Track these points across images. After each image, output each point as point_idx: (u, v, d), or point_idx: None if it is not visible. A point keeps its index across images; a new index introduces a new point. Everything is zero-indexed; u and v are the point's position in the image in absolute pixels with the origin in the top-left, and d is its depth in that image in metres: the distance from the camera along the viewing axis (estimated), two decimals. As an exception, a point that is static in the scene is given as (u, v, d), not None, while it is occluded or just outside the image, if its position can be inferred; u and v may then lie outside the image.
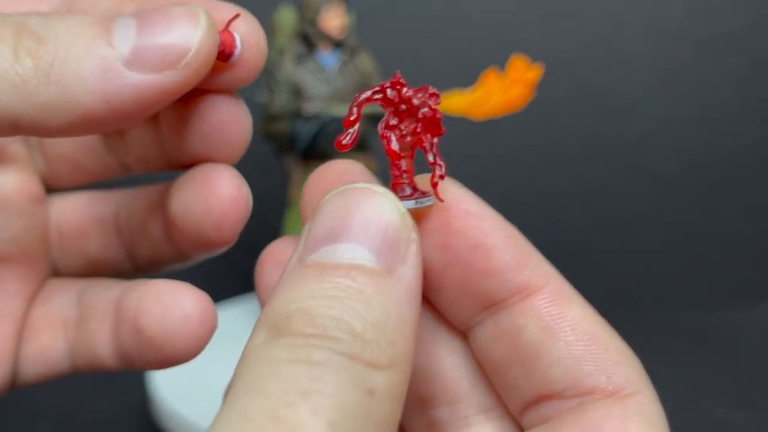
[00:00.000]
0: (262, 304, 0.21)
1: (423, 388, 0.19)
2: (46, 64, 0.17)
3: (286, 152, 0.56)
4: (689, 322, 0.65)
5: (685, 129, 0.71)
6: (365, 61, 0.54)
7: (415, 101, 0.18)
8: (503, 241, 0.18)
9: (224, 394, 0.23)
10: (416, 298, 0.16)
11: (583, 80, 0.70)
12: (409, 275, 0.15)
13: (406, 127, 0.18)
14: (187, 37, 0.17)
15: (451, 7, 0.69)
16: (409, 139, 0.18)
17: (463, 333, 0.19)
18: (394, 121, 0.18)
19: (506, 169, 0.70)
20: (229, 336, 0.33)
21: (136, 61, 0.17)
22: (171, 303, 0.21)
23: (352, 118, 0.17)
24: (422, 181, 0.18)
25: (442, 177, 0.17)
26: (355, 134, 0.18)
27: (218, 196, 0.21)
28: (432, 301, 0.19)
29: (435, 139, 0.18)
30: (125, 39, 0.17)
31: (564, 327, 0.17)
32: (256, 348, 0.14)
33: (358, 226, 0.15)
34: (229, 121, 0.21)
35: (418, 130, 0.18)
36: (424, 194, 0.17)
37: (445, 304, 0.18)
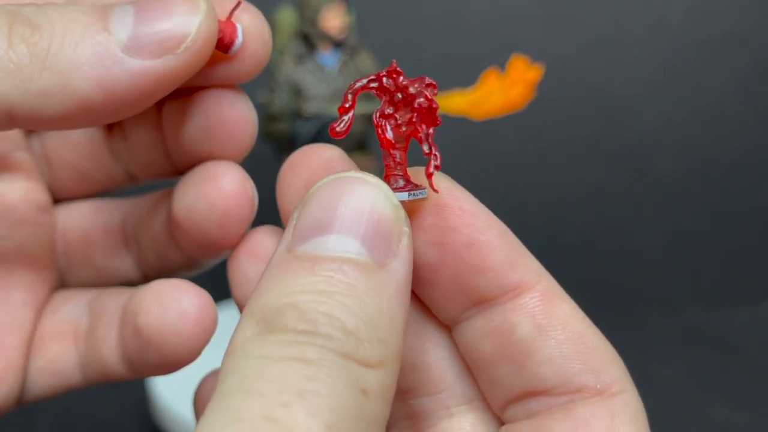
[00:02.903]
0: (238, 302, 0.20)
1: (405, 378, 0.19)
2: (42, 51, 0.16)
3: (286, 152, 0.56)
4: (689, 322, 0.65)
5: (686, 129, 0.71)
6: (365, 61, 0.54)
7: (412, 90, 0.17)
8: (497, 240, 0.18)
9: (198, 386, 0.22)
10: (407, 293, 0.15)
11: (583, 80, 0.70)
12: (400, 270, 0.15)
13: (402, 116, 0.17)
14: (185, 22, 0.17)
15: (451, 7, 0.69)
16: (404, 129, 0.17)
17: (447, 327, 0.19)
18: (389, 110, 0.17)
19: (506, 169, 0.70)
20: (230, 336, 0.33)
21: (134, 46, 0.17)
22: (168, 300, 0.20)
23: (347, 105, 0.17)
24: (415, 174, 0.18)
25: (437, 167, 0.17)
26: (349, 122, 0.17)
27: (221, 193, 0.20)
28: (420, 295, 0.19)
29: (431, 130, 0.17)
30: (123, 25, 0.17)
31: (555, 325, 0.17)
32: (245, 342, 0.14)
33: (349, 218, 0.15)
34: (233, 116, 0.20)
35: (414, 120, 0.17)
36: (417, 187, 0.17)
37: (435, 299, 0.18)
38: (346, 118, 0.17)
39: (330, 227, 0.15)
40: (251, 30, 0.19)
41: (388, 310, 0.15)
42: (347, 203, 0.15)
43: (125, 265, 0.24)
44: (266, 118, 0.54)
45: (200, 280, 0.22)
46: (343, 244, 0.15)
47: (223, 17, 0.19)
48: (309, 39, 0.53)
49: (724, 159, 0.72)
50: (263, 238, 0.20)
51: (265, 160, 0.57)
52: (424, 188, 0.17)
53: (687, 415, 0.52)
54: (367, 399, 0.14)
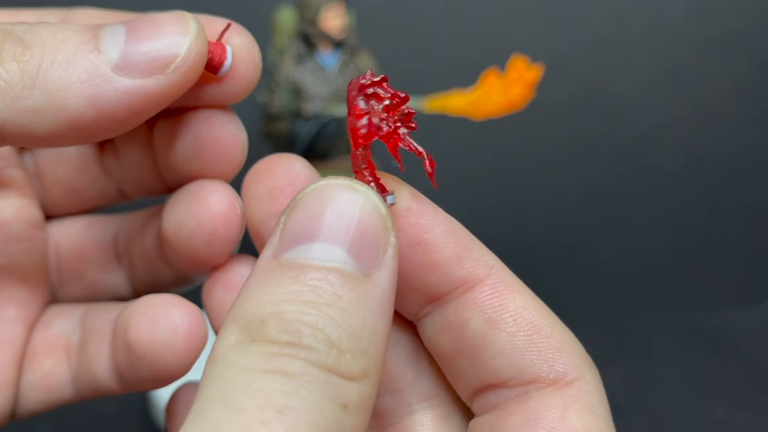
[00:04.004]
0: (215, 327, 0.21)
1: None
2: (32, 69, 0.16)
3: (286, 152, 0.56)
4: (689, 322, 0.65)
5: (686, 129, 0.71)
6: (365, 61, 0.54)
7: (403, 95, 0.17)
8: (442, 236, 0.18)
9: (172, 397, 0.23)
10: (391, 304, 0.15)
11: (583, 80, 0.70)
12: (385, 280, 0.15)
13: (389, 119, 0.18)
14: (175, 43, 0.17)
15: (451, 7, 0.69)
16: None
17: (410, 324, 0.19)
18: (384, 115, 0.17)
19: (506, 169, 0.70)
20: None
21: (124, 66, 0.17)
22: (159, 315, 0.20)
23: (360, 111, 0.17)
24: (382, 178, 0.18)
25: (433, 164, 0.17)
26: (369, 124, 0.17)
27: (209, 211, 0.20)
28: None
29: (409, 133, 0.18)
30: (114, 44, 0.17)
31: (506, 318, 0.17)
32: (228, 351, 0.14)
33: (336, 226, 0.15)
34: (223, 136, 0.20)
35: (398, 123, 0.18)
36: (388, 192, 0.17)
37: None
38: (365, 122, 0.17)
39: (316, 235, 0.15)
40: (241, 52, 0.19)
41: (371, 321, 0.15)
42: (335, 211, 0.15)
43: (117, 280, 0.24)
44: (266, 118, 0.54)
45: (192, 290, 0.22)
46: (329, 252, 0.15)
47: (213, 39, 0.19)
48: (309, 39, 0.53)
49: (724, 159, 0.72)
50: (239, 268, 0.21)
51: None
52: (392, 192, 0.17)
53: (687, 415, 0.52)
54: (347, 413, 0.14)
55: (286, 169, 0.19)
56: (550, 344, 0.17)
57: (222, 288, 0.21)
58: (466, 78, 0.49)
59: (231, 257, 0.21)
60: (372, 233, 0.15)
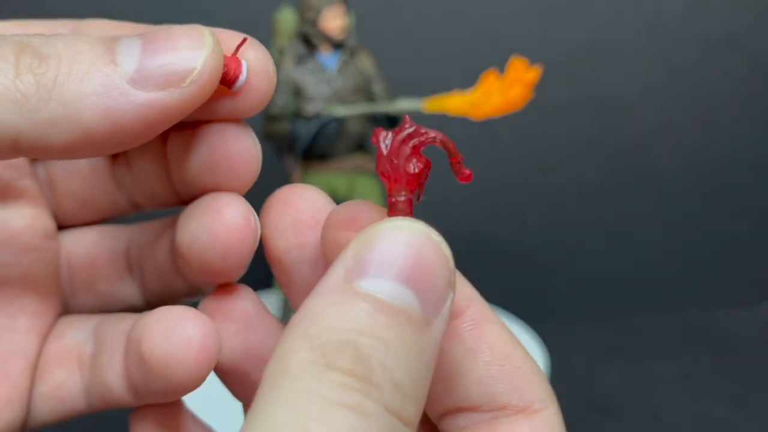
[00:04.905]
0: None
1: None
2: (48, 81, 0.16)
3: (286, 152, 0.56)
4: (689, 322, 0.65)
5: (685, 129, 0.71)
6: (365, 62, 0.54)
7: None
8: None
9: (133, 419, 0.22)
10: (438, 355, 0.16)
11: (583, 80, 0.70)
12: (440, 331, 0.16)
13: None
14: (191, 56, 0.17)
15: (451, 7, 0.69)
16: None
17: None
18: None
19: (506, 169, 0.70)
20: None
21: (140, 79, 0.17)
22: (172, 327, 0.20)
23: (459, 158, 0.18)
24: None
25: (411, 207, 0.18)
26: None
27: (224, 225, 0.20)
28: None
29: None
30: (129, 57, 0.17)
31: (483, 348, 0.18)
32: (300, 369, 0.14)
33: (416, 273, 0.15)
34: (237, 150, 0.20)
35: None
36: None
37: None
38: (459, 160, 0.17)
39: (393, 273, 0.15)
40: (256, 66, 0.19)
41: (425, 368, 0.15)
42: (417, 259, 0.15)
43: (129, 291, 0.24)
44: (266, 118, 0.54)
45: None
46: (401, 293, 0.15)
47: (228, 52, 0.19)
48: (309, 40, 0.53)
49: (723, 159, 0.72)
50: (238, 300, 0.21)
51: (265, 159, 0.57)
52: None
53: (687, 415, 0.52)
54: None
55: (309, 202, 0.20)
56: (521, 374, 0.18)
57: (221, 317, 0.21)
58: (466, 78, 0.49)
59: (225, 287, 0.21)
60: (439, 284, 0.16)
